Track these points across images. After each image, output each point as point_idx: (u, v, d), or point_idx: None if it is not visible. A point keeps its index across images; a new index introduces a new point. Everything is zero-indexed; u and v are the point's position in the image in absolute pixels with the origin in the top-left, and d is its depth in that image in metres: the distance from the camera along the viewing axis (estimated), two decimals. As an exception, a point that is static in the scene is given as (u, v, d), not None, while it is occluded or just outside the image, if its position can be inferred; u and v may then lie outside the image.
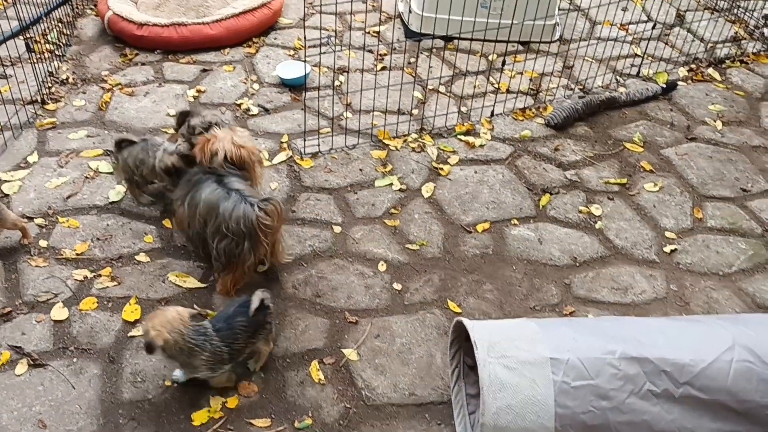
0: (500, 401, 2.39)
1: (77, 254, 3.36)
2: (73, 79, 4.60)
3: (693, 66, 5.16)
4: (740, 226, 3.85)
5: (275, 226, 3.04)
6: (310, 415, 2.79)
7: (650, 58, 5.10)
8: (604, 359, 2.45)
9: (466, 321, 2.62)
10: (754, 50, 5.41)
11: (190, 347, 2.62)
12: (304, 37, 3.79)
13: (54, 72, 4.62)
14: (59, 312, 3.09)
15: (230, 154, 3.13)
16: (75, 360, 2.92)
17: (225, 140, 3.16)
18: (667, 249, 3.66)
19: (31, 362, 2.87)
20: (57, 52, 4.80)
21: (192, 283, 3.27)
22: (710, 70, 5.13)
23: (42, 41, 4.75)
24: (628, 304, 3.35)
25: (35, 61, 4.39)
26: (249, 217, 2.97)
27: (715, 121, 4.63)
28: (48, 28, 4.88)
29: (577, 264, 3.54)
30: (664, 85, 4.84)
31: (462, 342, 2.85)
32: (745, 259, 3.65)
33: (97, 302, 3.16)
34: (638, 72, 5.02)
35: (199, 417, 2.74)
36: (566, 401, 2.40)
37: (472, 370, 2.88)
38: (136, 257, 3.38)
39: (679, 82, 4.96)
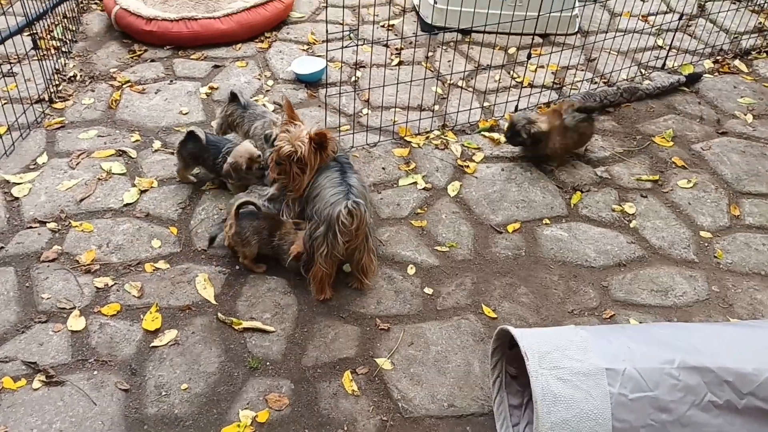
0: (554, 416, 2.24)
1: (92, 260, 3.20)
2: (81, 76, 4.44)
3: (718, 57, 5.01)
4: (780, 224, 3.71)
5: (351, 230, 2.92)
6: (345, 429, 2.64)
7: (675, 50, 4.95)
8: (663, 369, 2.31)
9: (512, 329, 2.47)
10: (780, 41, 5.27)
11: None
12: (326, 31, 3.61)
13: (61, 69, 4.45)
14: (76, 321, 2.94)
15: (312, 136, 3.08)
16: (95, 373, 2.76)
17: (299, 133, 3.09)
18: (706, 248, 3.52)
19: (48, 378, 2.72)
20: (63, 49, 4.63)
21: (210, 293, 3.11)
22: (737, 62, 4.99)
23: (47, 37, 4.59)
24: (669, 307, 3.21)
25: (41, 58, 4.22)
26: (335, 208, 2.91)
27: (745, 115, 4.49)
28: (53, 23, 4.71)
29: (614, 265, 3.40)
30: (685, 75, 4.69)
31: (505, 350, 2.70)
32: (787, 257, 3.51)
33: (116, 311, 3.00)
34: (663, 64, 4.87)
35: (228, 433, 2.60)
36: (624, 415, 2.25)
37: (514, 379, 2.74)
38: (154, 263, 3.23)
39: (706, 74, 4.81)
